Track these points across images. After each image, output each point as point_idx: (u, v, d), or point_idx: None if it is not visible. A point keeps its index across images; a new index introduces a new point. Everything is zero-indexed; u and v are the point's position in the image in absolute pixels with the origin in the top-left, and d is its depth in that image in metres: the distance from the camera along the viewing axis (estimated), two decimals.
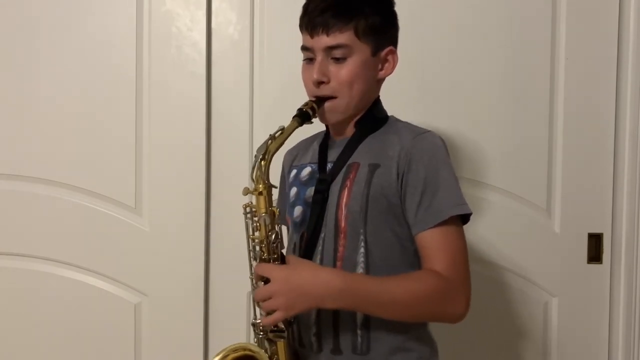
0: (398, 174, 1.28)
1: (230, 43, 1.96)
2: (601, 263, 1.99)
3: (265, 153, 1.25)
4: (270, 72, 1.94)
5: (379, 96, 1.41)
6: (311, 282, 1.20)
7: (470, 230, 1.95)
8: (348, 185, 1.31)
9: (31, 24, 1.96)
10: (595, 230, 1.99)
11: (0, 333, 1.98)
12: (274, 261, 1.26)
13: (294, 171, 1.45)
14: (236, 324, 1.91)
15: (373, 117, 1.37)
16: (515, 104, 1.97)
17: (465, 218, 1.30)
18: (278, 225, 1.28)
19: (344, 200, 1.30)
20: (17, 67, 1.97)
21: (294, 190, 1.42)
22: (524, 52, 1.97)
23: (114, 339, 1.97)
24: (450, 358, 1.99)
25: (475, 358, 1.99)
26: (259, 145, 1.29)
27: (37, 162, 1.97)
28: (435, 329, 1.93)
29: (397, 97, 1.91)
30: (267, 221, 1.26)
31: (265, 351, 1.31)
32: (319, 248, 1.32)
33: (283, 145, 1.31)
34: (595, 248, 1.99)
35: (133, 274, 1.96)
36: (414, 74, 1.94)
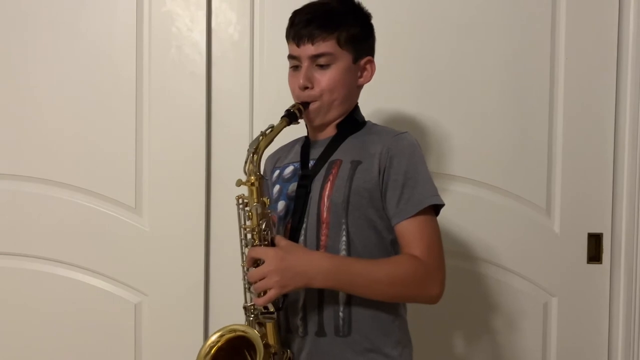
0: (380, 169, 1.38)
1: (230, 43, 1.97)
2: (601, 263, 2.00)
3: (257, 148, 1.36)
4: (270, 72, 1.94)
5: (358, 102, 1.51)
6: (303, 262, 1.31)
7: (470, 229, 1.97)
8: (331, 179, 1.40)
9: (31, 24, 1.96)
10: (595, 230, 1.99)
11: (0, 333, 1.98)
12: (265, 247, 1.34)
13: (277, 171, 1.53)
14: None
15: (353, 120, 1.48)
16: (515, 104, 1.97)
17: (437, 211, 1.41)
18: (268, 214, 1.36)
19: (327, 192, 1.39)
20: (17, 67, 1.97)
21: (276, 187, 1.50)
22: (524, 52, 1.97)
23: (114, 339, 1.97)
24: (449, 357, 2.01)
25: (474, 358, 1.99)
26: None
27: (37, 162, 1.97)
28: (435, 329, 1.94)
29: (397, 96, 1.93)
30: (259, 210, 1.34)
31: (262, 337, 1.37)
32: (302, 238, 1.40)
33: (272, 143, 1.40)
34: (595, 248, 1.99)
35: (133, 274, 1.97)
36: (414, 73, 1.95)
